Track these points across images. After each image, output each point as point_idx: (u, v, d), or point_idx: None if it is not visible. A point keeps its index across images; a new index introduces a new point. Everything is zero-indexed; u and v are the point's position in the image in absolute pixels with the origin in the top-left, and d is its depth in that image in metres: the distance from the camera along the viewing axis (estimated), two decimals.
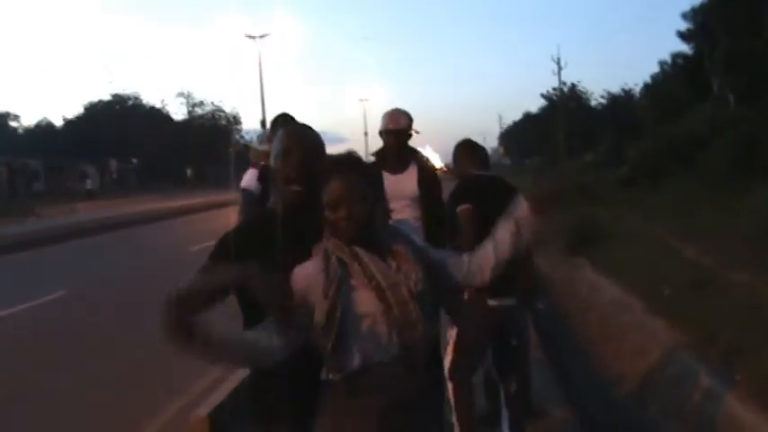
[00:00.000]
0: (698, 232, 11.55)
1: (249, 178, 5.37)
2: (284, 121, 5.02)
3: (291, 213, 2.59)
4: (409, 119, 5.26)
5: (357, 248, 2.34)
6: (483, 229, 2.78)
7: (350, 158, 2.54)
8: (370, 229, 2.39)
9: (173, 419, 6.31)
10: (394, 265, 2.36)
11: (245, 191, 5.33)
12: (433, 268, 2.48)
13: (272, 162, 2.66)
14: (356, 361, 2.29)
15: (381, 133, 5.28)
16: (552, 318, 9.27)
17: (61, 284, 13.15)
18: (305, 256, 2.41)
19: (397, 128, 5.20)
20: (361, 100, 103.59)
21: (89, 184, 61.23)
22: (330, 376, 2.38)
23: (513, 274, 4.29)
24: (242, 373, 6.10)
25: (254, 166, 5.47)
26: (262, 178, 5.20)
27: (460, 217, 4.51)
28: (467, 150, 5.00)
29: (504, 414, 4.76)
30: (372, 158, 5.37)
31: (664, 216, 14.59)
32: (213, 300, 2.22)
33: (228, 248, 2.57)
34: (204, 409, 5.63)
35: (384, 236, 2.44)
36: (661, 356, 6.81)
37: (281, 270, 2.36)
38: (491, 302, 4.47)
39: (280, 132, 2.71)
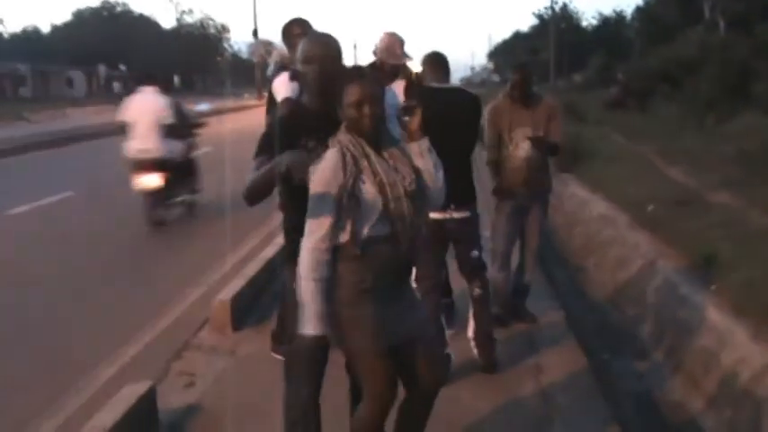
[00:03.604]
0: (683, 154, 11.89)
1: (289, 86, 4.99)
2: (299, 25, 5.14)
3: (315, 109, 3.24)
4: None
5: (368, 148, 2.94)
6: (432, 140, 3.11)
7: (364, 69, 3.35)
8: (382, 126, 2.99)
9: (195, 304, 6.57)
10: (392, 164, 2.96)
11: (288, 100, 4.83)
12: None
13: (298, 66, 3.29)
14: (363, 235, 2.93)
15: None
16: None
17: (68, 186, 13.16)
18: (324, 145, 3.00)
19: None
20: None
21: (116, 87, 61.81)
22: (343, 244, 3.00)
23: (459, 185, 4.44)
24: (255, 266, 6.58)
25: (283, 69, 5.17)
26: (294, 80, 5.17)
27: None
28: (427, 62, 5.07)
29: (470, 318, 4.98)
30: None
31: (650, 137, 14.89)
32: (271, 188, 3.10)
33: (271, 138, 3.19)
34: (225, 294, 6.08)
35: (385, 138, 3.03)
36: (641, 267, 7.24)
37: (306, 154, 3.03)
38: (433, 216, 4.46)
39: (304, 40, 3.32)
